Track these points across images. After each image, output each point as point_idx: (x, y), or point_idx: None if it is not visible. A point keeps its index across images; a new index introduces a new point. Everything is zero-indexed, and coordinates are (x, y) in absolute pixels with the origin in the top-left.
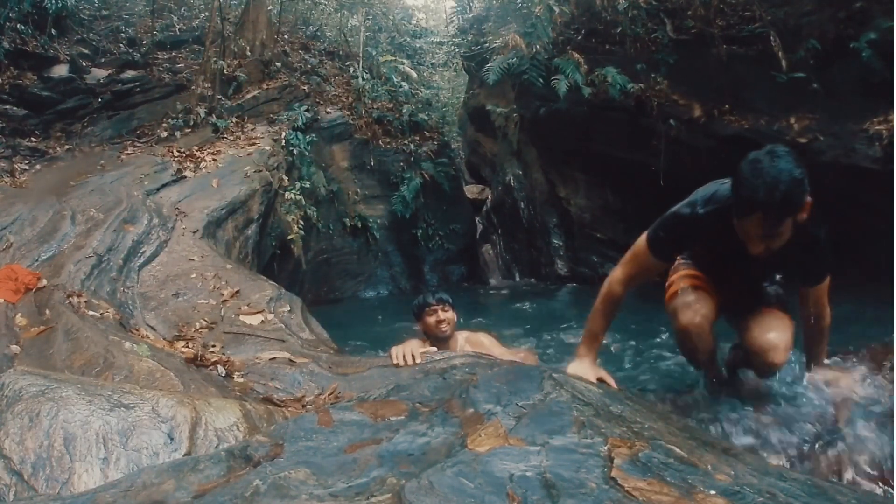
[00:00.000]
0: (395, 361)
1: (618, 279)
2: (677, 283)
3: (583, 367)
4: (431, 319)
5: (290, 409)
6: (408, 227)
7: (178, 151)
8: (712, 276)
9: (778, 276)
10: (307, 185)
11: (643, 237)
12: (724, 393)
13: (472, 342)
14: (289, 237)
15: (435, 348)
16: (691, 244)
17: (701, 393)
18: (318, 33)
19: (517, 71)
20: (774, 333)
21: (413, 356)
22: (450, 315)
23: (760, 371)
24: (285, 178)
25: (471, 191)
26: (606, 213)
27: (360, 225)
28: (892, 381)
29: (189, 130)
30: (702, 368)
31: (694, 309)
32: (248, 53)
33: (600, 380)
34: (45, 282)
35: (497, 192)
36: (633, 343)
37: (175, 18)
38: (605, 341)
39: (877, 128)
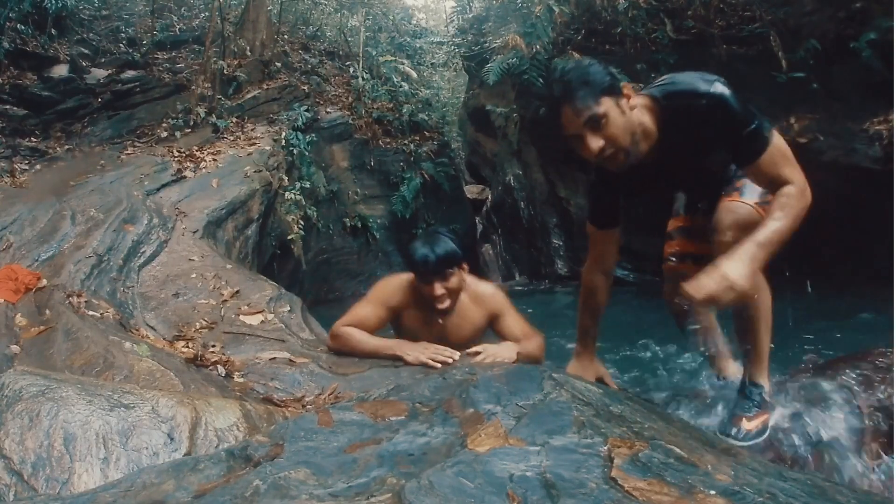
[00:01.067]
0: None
1: (587, 268)
2: (670, 246)
3: (581, 366)
4: (426, 290)
5: (290, 409)
6: (408, 227)
7: (178, 151)
8: (690, 208)
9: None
10: (307, 185)
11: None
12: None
13: (478, 299)
14: (289, 237)
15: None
16: (613, 200)
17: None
18: (318, 33)
19: (517, 71)
20: (731, 203)
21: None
22: (453, 283)
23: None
24: (285, 178)
25: (471, 191)
26: None
27: (360, 225)
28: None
29: (189, 130)
30: (691, 337)
31: (675, 279)
32: (248, 53)
33: (599, 379)
34: (45, 282)
35: (497, 192)
36: (639, 347)
37: (175, 18)
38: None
39: (877, 128)
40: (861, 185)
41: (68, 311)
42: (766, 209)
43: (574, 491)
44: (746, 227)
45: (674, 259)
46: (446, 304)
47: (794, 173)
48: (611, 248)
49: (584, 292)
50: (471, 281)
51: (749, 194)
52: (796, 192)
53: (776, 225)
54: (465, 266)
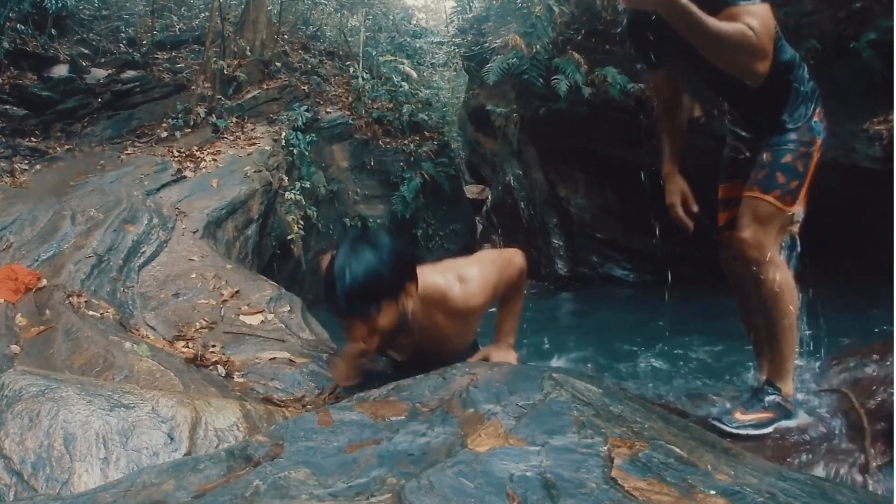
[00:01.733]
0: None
1: (658, 114)
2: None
3: (671, 183)
4: (344, 329)
5: (290, 409)
6: (408, 227)
7: (178, 151)
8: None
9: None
10: (307, 185)
11: None
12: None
13: (452, 312)
14: (289, 237)
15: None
16: (647, 43)
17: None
18: (318, 33)
19: (517, 71)
20: (751, 200)
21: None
22: (381, 324)
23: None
24: (285, 178)
25: (471, 191)
26: (606, 213)
27: (360, 225)
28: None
29: (189, 130)
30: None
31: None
32: (248, 53)
33: (684, 192)
34: (45, 282)
35: (497, 192)
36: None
37: (175, 18)
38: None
39: (877, 128)
40: (861, 185)
41: (68, 311)
42: (788, 199)
43: (574, 491)
44: (766, 223)
45: (725, 229)
46: (373, 347)
47: (754, 23)
48: (670, 87)
49: (660, 133)
50: (437, 288)
51: (769, 187)
52: (745, 27)
53: (713, 22)
54: (412, 289)
